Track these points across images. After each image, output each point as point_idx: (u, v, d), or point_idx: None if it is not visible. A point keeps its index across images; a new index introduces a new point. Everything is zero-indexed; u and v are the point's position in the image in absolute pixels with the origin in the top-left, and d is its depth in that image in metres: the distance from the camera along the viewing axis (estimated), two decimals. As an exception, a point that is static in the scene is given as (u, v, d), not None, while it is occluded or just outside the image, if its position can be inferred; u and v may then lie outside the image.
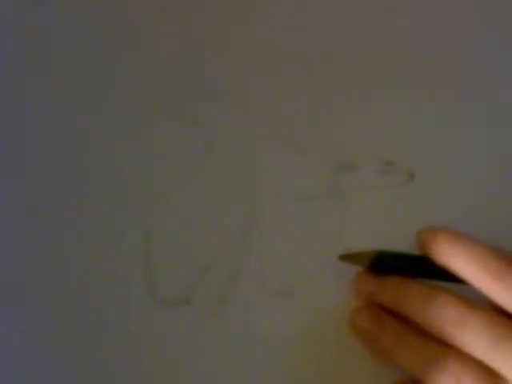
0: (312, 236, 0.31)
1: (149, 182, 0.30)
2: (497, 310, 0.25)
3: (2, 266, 0.29)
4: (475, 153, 0.32)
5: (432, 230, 0.27)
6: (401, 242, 0.29)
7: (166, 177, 0.30)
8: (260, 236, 0.30)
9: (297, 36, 0.32)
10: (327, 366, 0.29)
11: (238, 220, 0.30)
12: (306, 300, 0.30)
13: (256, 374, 0.29)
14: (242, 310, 0.29)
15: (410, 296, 0.27)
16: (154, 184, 0.30)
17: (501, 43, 0.33)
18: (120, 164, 0.30)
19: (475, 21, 0.33)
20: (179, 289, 0.30)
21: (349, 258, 0.29)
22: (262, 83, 0.32)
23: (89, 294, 0.29)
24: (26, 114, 0.30)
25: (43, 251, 0.29)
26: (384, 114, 0.32)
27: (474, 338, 0.25)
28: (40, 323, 0.29)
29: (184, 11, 0.32)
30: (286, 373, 0.29)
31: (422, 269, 0.28)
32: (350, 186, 0.31)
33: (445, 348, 0.26)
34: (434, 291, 0.26)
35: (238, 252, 0.30)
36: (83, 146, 0.30)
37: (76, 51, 0.31)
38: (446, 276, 0.27)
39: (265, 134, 0.31)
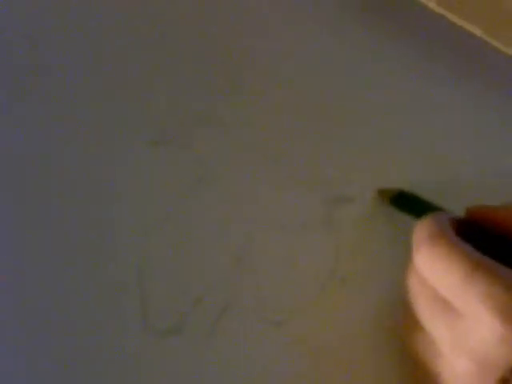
0: (305, 266, 0.31)
1: (141, 211, 0.30)
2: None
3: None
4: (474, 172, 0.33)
5: (419, 238, 0.27)
6: (394, 271, 0.29)
7: (159, 206, 0.30)
8: (253, 265, 0.30)
9: (296, 68, 0.33)
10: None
11: (231, 249, 0.30)
12: (300, 330, 0.30)
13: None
14: (235, 341, 0.29)
15: None
16: (147, 213, 0.30)
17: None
18: (114, 191, 0.30)
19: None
20: (171, 318, 0.29)
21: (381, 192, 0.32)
22: (257, 113, 0.32)
23: (79, 323, 0.29)
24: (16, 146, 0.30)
25: (36, 283, 0.29)
26: (378, 146, 0.33)
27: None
28: (31, 352, 0.28)
29: (182, 38, 0.32)
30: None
31: None
32: (343, 217, 0.31)
33: None
34: None
35: (231, 281, 0.30)
36: (76, 174, 0.30)
37: (73, 75, 0.30)
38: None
39: (259, 163, 0.31)
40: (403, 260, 0.29)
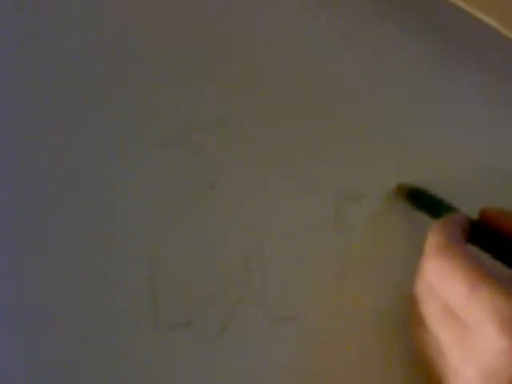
0: (314, 263, 0.31)
1: (153, 210, 0.30)
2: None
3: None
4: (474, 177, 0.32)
5: (429, 247, 0.27)
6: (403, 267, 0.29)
7: (171, 204, 0.30)
8: (262, 263, 0.30)
9: (303, 71, 0.32)
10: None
11: (241, 247, 0.30)
12: (309, 325, 0.30)
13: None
14: (244, 336, 0.29)
15: None
16: (159, 211, 0.30)
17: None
18: (128, 191, 0.30)
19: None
20: (182, 314, 0.29)
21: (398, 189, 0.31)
22: (268, 116, 0.32)
23: (91, 316, 0.29)
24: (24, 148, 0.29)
25: (47, 281, 0.29)
26: (390, 143, 0.33)
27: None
28: (41, 347, 0.28)
29: (189, 42, 0.31)
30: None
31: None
32: (352, 215, 0.32)
33: None
34: None
35: (241, 278, 0.30)
36: (87, 178, 0.30)
37: (79, 78, 0.30)
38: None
39: (270, 163, 0.31)
40: (414, 259, 0.29)
